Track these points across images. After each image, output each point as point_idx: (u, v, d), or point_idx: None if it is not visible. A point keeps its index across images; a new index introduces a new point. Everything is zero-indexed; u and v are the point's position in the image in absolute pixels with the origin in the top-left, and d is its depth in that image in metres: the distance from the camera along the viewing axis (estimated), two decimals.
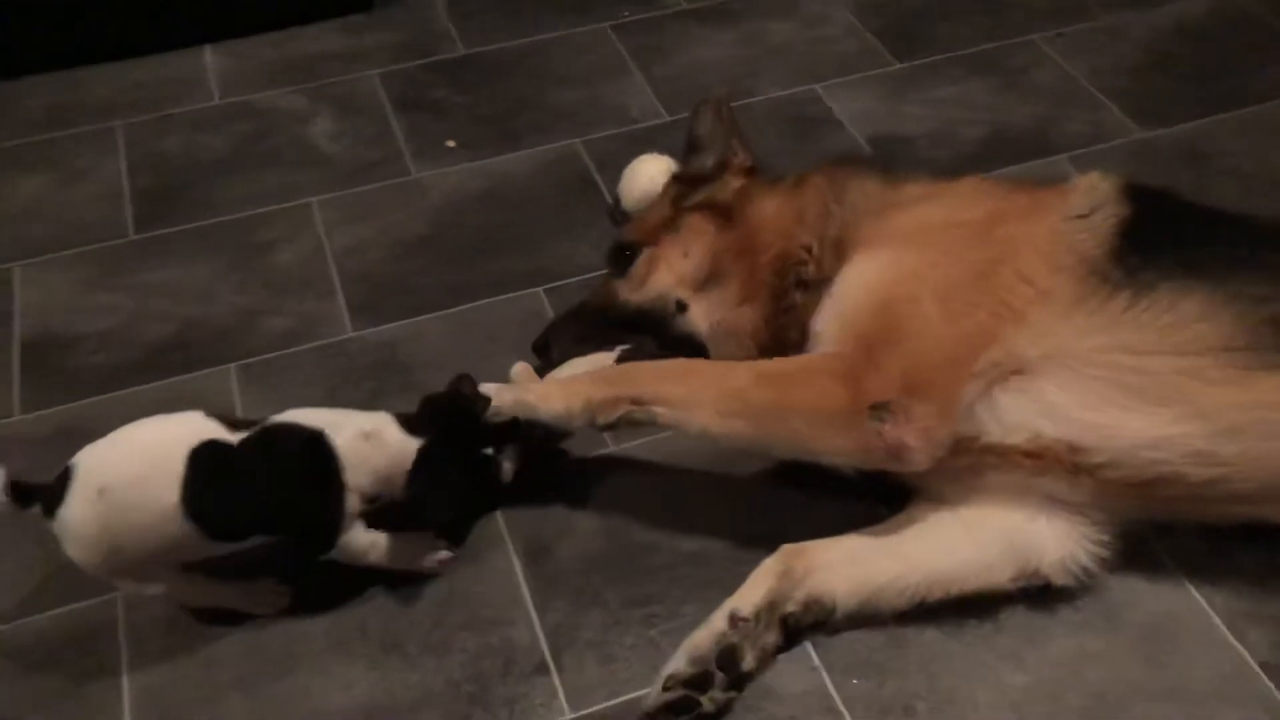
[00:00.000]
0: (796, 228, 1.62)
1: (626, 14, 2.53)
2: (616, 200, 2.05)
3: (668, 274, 1.69)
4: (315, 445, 1.38)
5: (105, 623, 1.48)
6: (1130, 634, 1.42)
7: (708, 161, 1.77)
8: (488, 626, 1.46)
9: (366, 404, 1.71)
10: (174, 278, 1.96)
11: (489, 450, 1.48)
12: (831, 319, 1.48)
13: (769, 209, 1.67)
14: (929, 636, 1.43)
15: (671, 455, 1.66)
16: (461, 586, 1.51)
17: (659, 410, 1.44)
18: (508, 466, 1.51)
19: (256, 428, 1.39)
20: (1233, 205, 1.99)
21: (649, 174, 2.00)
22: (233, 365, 1.81)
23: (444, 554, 1.50)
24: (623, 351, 1.65)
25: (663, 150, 2.05)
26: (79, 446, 1.65)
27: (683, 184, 1.78)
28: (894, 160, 1.73)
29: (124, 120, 2.29)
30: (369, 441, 1.40)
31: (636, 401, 1.45)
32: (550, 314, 1.87)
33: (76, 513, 1.31)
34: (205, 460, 1.33)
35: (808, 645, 1.43)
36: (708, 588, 1.48)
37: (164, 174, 2.18)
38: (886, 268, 1.47)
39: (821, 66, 2.36)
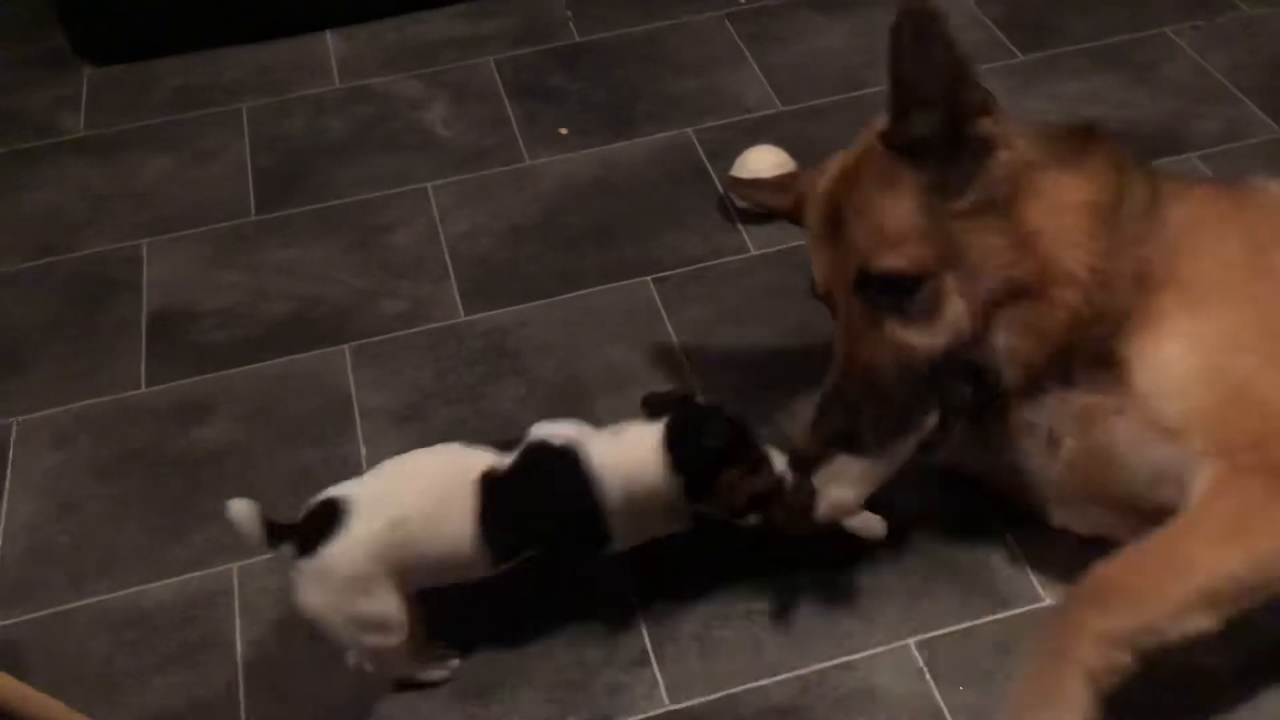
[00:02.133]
0: (1094, 238, 1.25)
1: (743, 2, 2.51)
2: (727, 191, 2.03)
3: (959, 304, 1.27)
4: (569, 457, 1.35)
5: (220, 593, 1.53)
6: None
7: (933, 120, 1.22)
8: (590, 613, 1.47)
9: (478, 387, 1.76)
10: (293, 257, 2.01)
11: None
12: (1184, 413, 1.22)
13: (1064, 202, 1.27)
14: None
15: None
16: (567, 573, 1.51)
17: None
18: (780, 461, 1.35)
19: (519, 450, 1.37)
20: None
21: (759, 165, 1.98)
22: (347, 346, 1.84)
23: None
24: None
25: (775, 141, 2.03)
26: (198, 419, 1.73)
27: (912, 165, 1.26)
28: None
29: (249, 102, 2.35)
30: (618, 442, 1.36)
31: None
32: (659, 304, 1.87)
33: (359, 543, 1.28)
34: (492, 488, 1.33)
35: (912, 646, 1.40)
36: (816, 587, 1.47)
37: (285, 156, 2.23)
38: (1226, 338, 1.23)
39: None
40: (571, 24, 2.50)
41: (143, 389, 1.81)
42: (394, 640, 1.32)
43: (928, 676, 1.37)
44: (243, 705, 1.41)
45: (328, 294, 1.94)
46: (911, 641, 1.41)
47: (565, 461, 1.35)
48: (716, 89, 2.29)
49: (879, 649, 1.40)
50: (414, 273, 1.96)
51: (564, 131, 2.23)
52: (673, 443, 1.33)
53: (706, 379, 1.75)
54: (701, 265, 1.93)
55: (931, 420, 1.33)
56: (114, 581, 1.55)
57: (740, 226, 1.99)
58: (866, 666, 1.39)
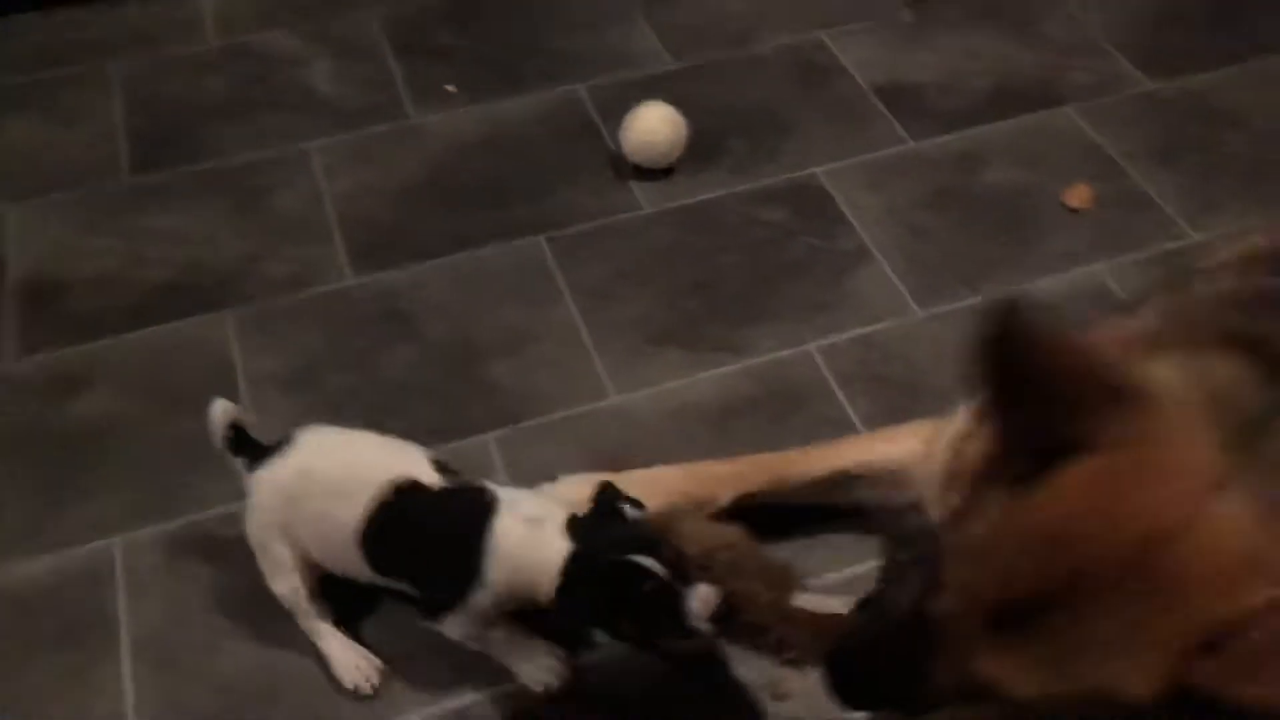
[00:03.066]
0: None
1: None
2: (618, 148, 2.02)
3: None
4: (478, 505, 1.27)
5: (102, 567, 1.48)
6: None
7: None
8: None
9: (369, 352, 1.73)
10: (170, 222, 1.94)
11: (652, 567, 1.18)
12: None
13: None
14: None
15: (680, 404, 1.65)
16: None
17: None
18: (700, 600, 1.18)
19: (449, 486, 1.31)
20: (1242, 158, 2.01)
21: (651, 121, 1.97)
22: (230, 312, 1.79)
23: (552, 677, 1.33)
24: None
25: (667, 98, 2.02)
26: (74, 393, 1.67)
27: None
28: None
29: (118, 60, 2.24)
30: (529, 530, 1.25)
31: None
32: (552, 263, 1.85)
33: (269, 481, 1.32)
34: (401, 500, 1.28)
35: None
36: None
37: (160, 116, 2.14)
38: None
39: (829, 13, 2.32)
40: None
41: (12, 362, 1.73)
42: (281, 587, 1.35)
43: None
44: (129, 684, 1.37)
45: (208, 258, 1.88)
46: None
47: (474, 516, 1.26)
48: (607, 45, 2.27)
49: None
50: (299, 235, 1.91)
51: (451, 89, 2.18)
52: (564, 588, 1.21)
53: (599, 338, 1.74)
54: (595, 224, 1.92)
55: None
56: None
57: (633, 184, 1.99)
58: None
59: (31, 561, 1.49)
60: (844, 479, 1.42)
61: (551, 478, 1.49)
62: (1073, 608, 0.82)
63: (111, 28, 2.32)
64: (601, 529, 1.24)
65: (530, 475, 1.54)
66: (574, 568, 1.20)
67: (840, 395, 1.66)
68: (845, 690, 1.04)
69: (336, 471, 1.31)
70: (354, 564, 1.32)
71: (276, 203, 1.97)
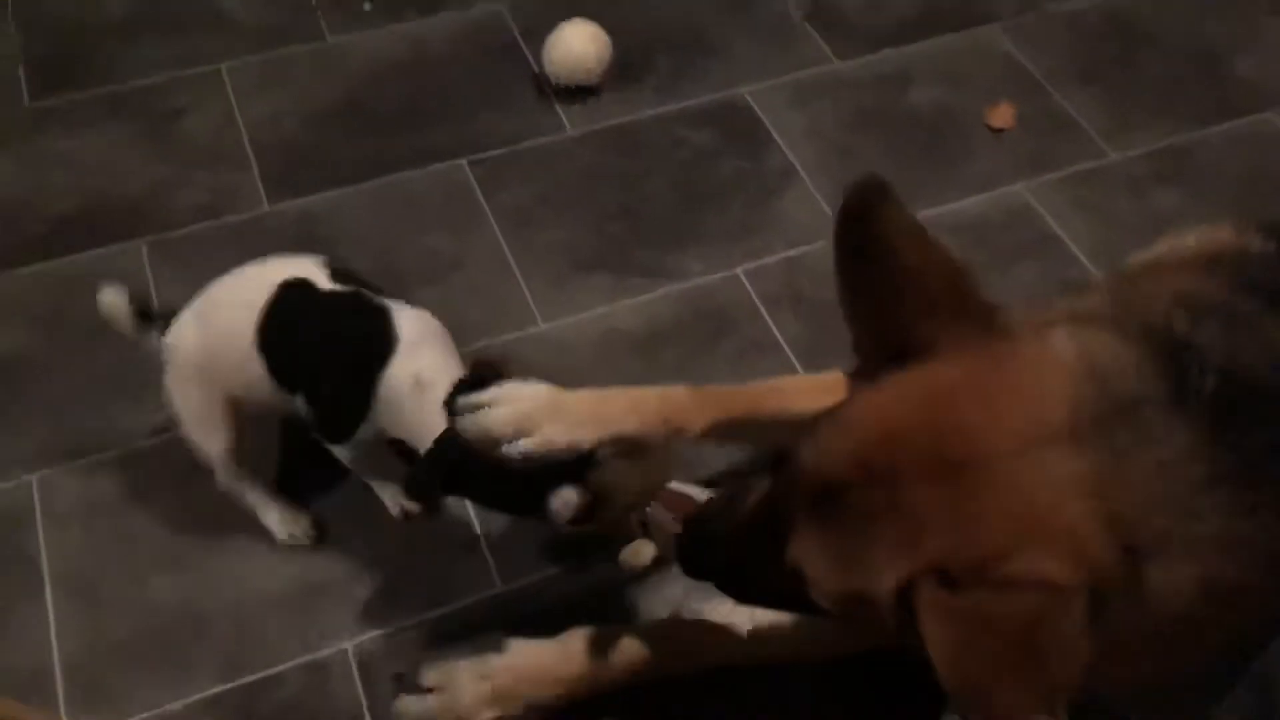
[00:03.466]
0: None
1: None
2: (541, 69, 1.98)
3: None
4: (378, 350, 1.25)
5: (20, 506, 1.44)
6: None
7: None
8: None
9: None
10: (76, 148, 1.86)
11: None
12: None
13: None
14: None
15: (609, 326, 1.64)
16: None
17: None
18: (561, 502, 1.15)
19: (356, 291, 1.30)
20: (1158, 76, 2.03)
21: (575, 38, 1.93)
22: (143, 241, 1.73)
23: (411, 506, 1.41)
24: None
25: (590, 15, 1.97)
26: None
27: None
28: None
29: None
30: (417, 392, 1.23)
31: None
32: (476, 187, 1.82)
33: (179, 332, 1.32)
34: (289, 296, 1.28)
35: None
36: None
37: (60, 38, 2.04)
38: None
39: None
40: None
41: None
42: (212, 446, 1.34)
43: None
44: (52, 619, 1.35)
45: (117, 187, 1.81)
46: None
47: (372, 341, 1.25)
48: None
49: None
50: (212, 161, 1.85)
51: (367, 7, 2.12)
52: (415, 468, 1.21)
53: (525, 264, 1.73)
54: (518, 146, 1.89)
55: None
56: None
57: (557, 106, 1.95)
58: None
59: None
60: (787, 425, 1.30)
61: None
62: (872, 499, 0.83)
63: None
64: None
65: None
66: (440, 450, 1.17)
67: (768, 318, 1.67)
68: (689, 563, 1.11)
69: (233, 291, 1.32)
70: (263, 384, 1.29)
71: (187, 127, 1.90)
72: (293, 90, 1.97)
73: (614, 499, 1.17)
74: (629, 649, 1.27)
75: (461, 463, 1.16)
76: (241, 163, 1.85)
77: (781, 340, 1.64)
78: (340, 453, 1.33)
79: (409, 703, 1.25)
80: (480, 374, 1.23)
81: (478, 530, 1.44)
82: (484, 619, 1.36)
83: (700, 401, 1.24)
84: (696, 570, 1.11)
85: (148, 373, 1.56)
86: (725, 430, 1.25)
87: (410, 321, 1.28)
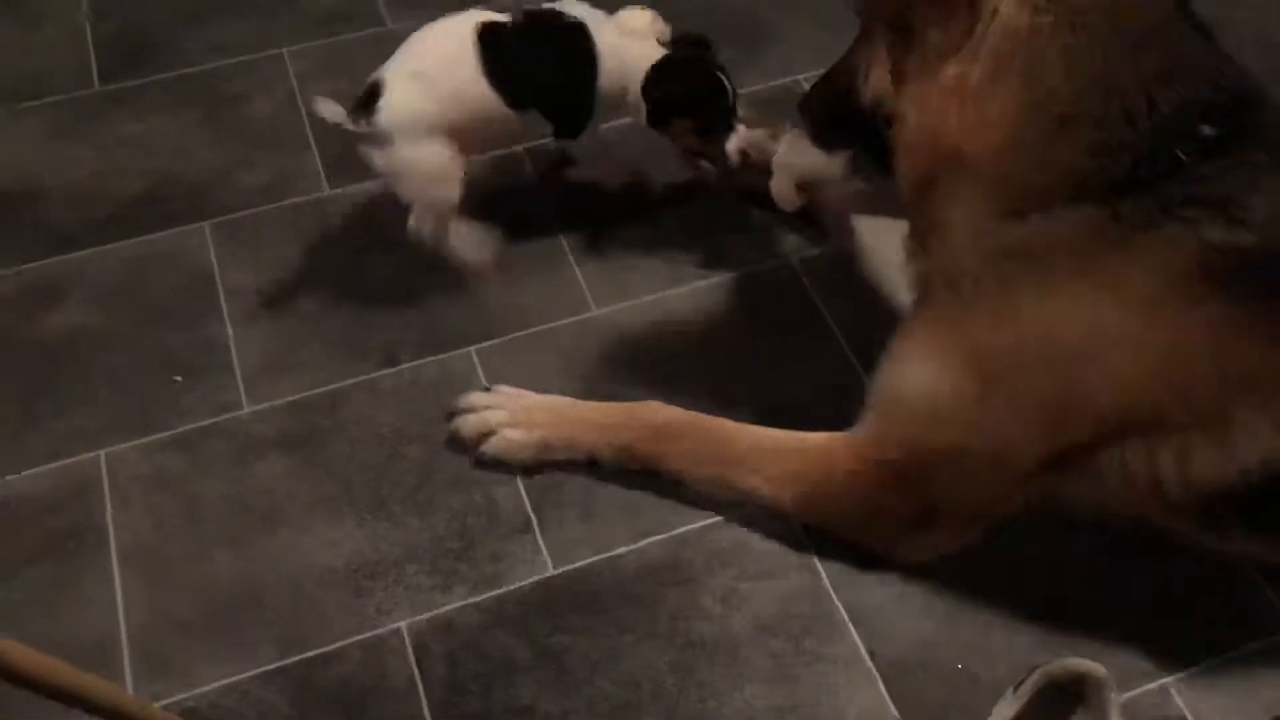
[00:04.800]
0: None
1: None
2: None
3: (885, 82, 1.31)
4: (581, 32, 1.59)
5: (89, 480, 1.48)
6: None
7: None
8: (472, 485, 1.48)
9: (349, 263, 1.72)
10: (143, 131, 1.90)
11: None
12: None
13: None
14: None
15: (660, 319, 1.66)
16: (445, 448, 1.52)
17: None
18: (735, 135, 1.59)
19: (527, 11, 1.61)
20: None
21: (632, 25, 1.92)
22: (207, 223, 1.77)
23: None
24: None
25: (647, 2, 1.97)
26: (50, 305, 1.66)
27: None
28: None
29: None
30: (627, 40, 1.60)
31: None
32: (529, 171, 1.84)
33: (399, 94, 1.51)
34: (493, 38, 1.55)
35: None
36: None
37: (128, 22, 2.08)
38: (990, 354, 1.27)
39: None
40: None
41: None
42: (445, 192, 1.56)
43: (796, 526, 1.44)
44: (119, 592, 1.39)
45: (183, 169, 1.85)
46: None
47: (570, 31, 1.58)
48: None
49: (752, 506, 1.45)
50: (274, 144, 1.88)
51: None
52: (651, 74, 1.56)
53: (581, 252, 1.74)
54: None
55: (841, 155, 1.48)
56: None
57: None
58: (738, 522, 1.44)
59: (16, 475, 1.49)
60: None
61: (535, 387, 1.53)
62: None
63: None
64: (689, 49, 1.62)
65: (512, 385, 1.55)
66: (669, 63, 1.58)
67: (823, 309, 1.67)
68: (815, 125, 1.51)
69: (439, 47, 1.56)
70: (500, 113, 1.56)
71: (251, 111, 1.94)
72: (353, 75, 1.96)
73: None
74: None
75: (680, 72, 1.59)
76: (302, 146, 1.87)
77: (835, 328, 1.64)
78: (583, 146, 1.70)
79: (470, 396, 1.52)
80: (694, 39, 1.64)
81: (529, 511, 1.45)
82: (536, 600, 1.38)
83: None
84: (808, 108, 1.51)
85: (212, 352, 1.61)
86: None
87: (585, 9, 1.62)
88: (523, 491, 1.47)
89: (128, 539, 1.43)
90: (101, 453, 1.51)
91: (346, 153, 1.85)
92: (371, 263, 1.73)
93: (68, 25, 2.07)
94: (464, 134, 1.56)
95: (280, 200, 1.80)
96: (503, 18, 1.58)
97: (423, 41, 1.57)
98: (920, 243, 1.32)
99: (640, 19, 1.64)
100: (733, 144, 1.59)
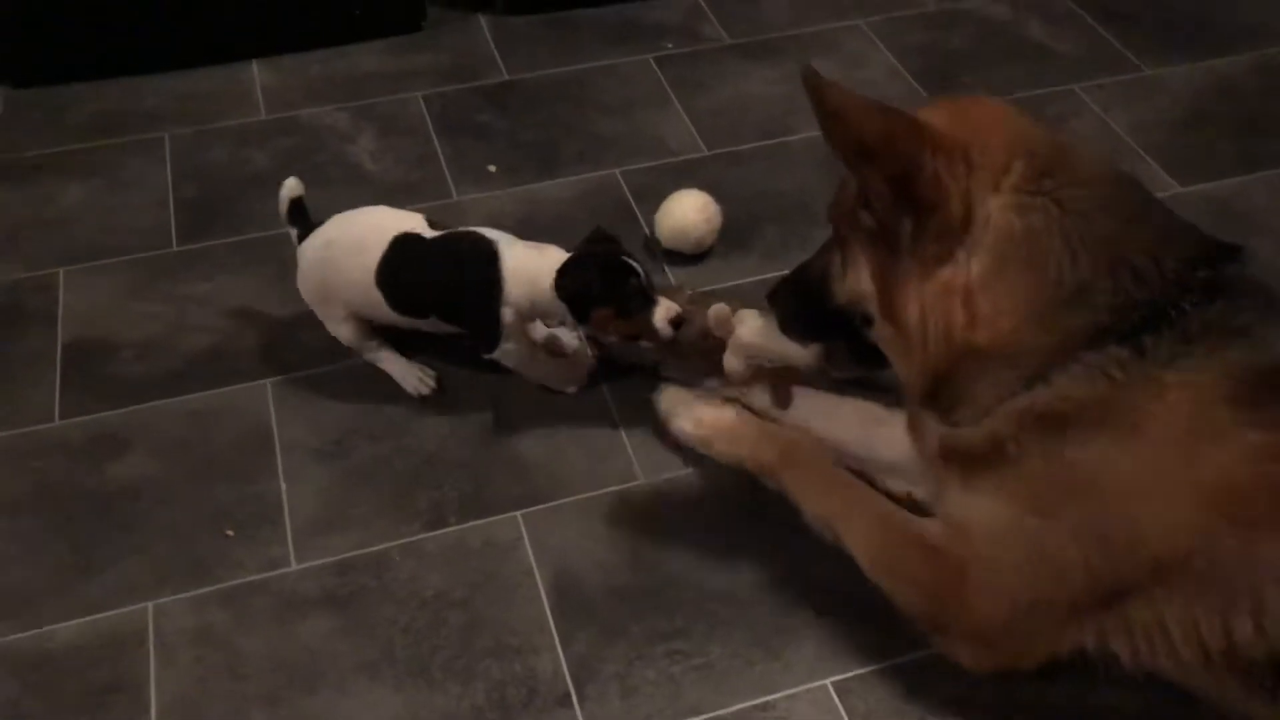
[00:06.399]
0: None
1: (669, 46, 2.55)
2: (652, 232, 2.06)
3: (868, 287, 1.37)
4: (488, 252, 1.64)
5: (134, 632, 1.50)
6: None
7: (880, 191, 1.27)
8: (513, 654, 1.48)
9: (401, 425, 1.76)
10: (215, 290, 1.99)
11: (633, 264, 1.63)
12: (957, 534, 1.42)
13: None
14: None
15: (705, 491, 1.67)
16: (488, 613, 1.52)
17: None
18: (661, 308, 1.62)
19: (447, 231, 1.69)
20: (1267, 264, 2.03)
21: (685, 208, 2.02)
22: (269, 380, 1.83)
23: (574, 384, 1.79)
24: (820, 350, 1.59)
25: (700, 184, 2.07)
26: (113, 454, 1.71)
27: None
28: None
29: (171, 131, 2.32)
30: (538, 255, 1.63)
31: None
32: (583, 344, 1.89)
33: (307, 252, 1.72)
34: (401, 246, 1.66)
35: (829, 687, 1.44)
36: (733, 626, 1.50)
37: (208, 186, 2.21)
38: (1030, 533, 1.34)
39: None
40: (500, 62, 2.52)
41: (55, 422, 1.77)
42: (342, 332, 1.76)
43: (844, 716, 1.41)
44: None
45: (250, 327, 1.92)
46: (829, 682, 1.44)
47: (478, 248, 1.65)
48: (643, 131, 2.33)
49: (796, 689, 1.44)
50: None
51: (492, 169, 2.25)
52: (558, 276, 1.60)
53: (629, 419, 1.77)
54: None
55: (814, 346, 1.58)
56: (22, 621, 1.51)
57: (666, 268, 2.03)
58: (785, 706, 1.42)
59: (63, 622, 1.51)
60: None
61: (580, 554, 1.53)
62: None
63: (167, 98, 2.40)
64: (596, 246, 1.67)
65: (557, 552, 1.57)
66: (573, 262, 1.61)
67: None
68: (784, 317, 1.56)
69: (352, 236, 1.69)
70: (381, 307, 1.69)
71: None
72: None
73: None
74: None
75: (589, 265, 1.61)
76: None
77: None
78: (506, 356, 1.70)
79: None
80: (597, 234, 1.69)
81: (569, 684, 1.44)
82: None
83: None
84: (777, 301, 1.56)
85: (264, 508, 1.64)
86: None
87: (498, 233, 1.68)
88: (564, 663, 1.47)
89: (168, 694, 1.44)
90: (150, 604, 1.53)
91: None
92: (422, 424, 1.77)
93: (155, 190, 2.19)
94: (356, 310, 1.74)
95: (339, 361, 1.86)
96: (424, 230, 1.68)
97: (350, 221, 1.73)
98: (944, 418, 1.37)
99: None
100: (659, 317, 1.61)
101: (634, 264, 1.62)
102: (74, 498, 1.66)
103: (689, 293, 1.83)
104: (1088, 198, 1.26)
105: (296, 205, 1.73)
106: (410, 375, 1.79)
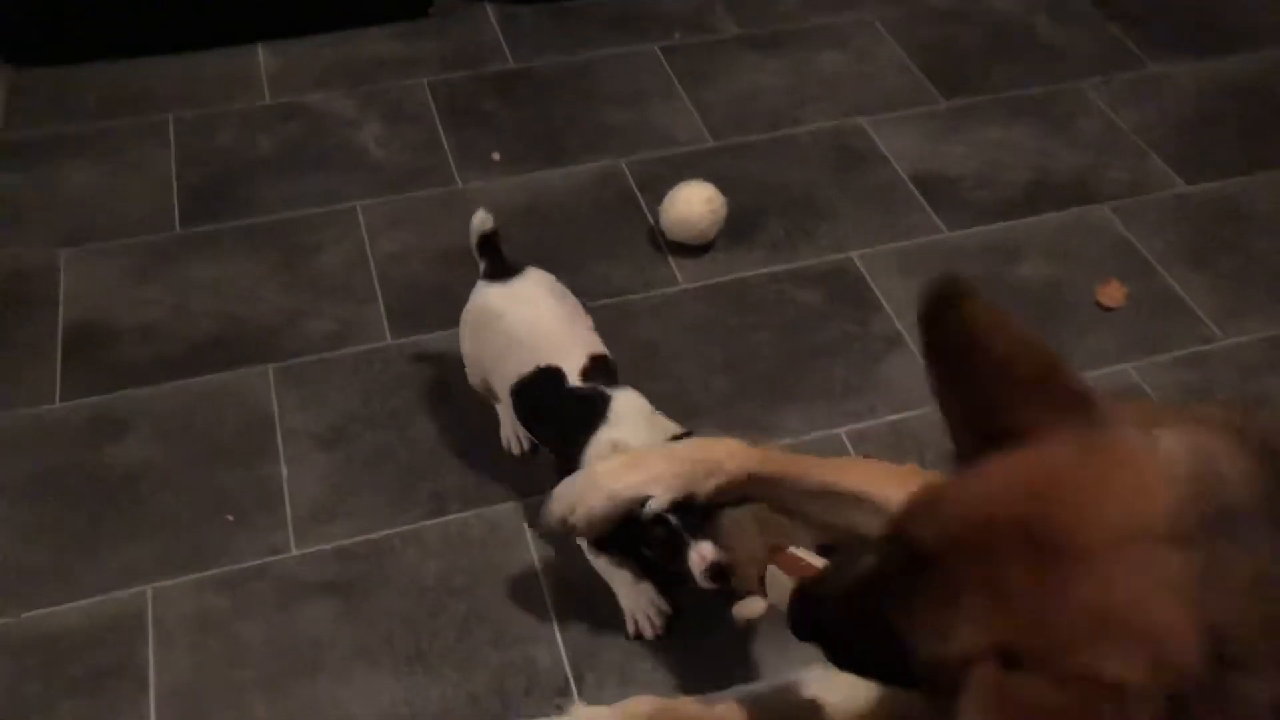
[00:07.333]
0: None
1: (677, 36, 2.55)
2: (656, 223, 2.06)
3: None
4: (593, 414, 1.49)
5: (133, 616, 1.50)
6: None
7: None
8: (512, 643, 1.48)
9: (404, 413, 1.76)
10: (217, 274, 1.98)
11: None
12: None
13: None
14: None
15: None
16: (488, 602, 1.52)
17: None
18: (696, 555, 1.32)
19: (591, 387, 1.54)
20: (1273, 263, 2.03)
21: (690, 200, 2.01)
22: (271, 366, 1.82)
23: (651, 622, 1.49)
24: None
25: (706, 176, 2.06)
26: (114, 438, 1.70)
27: None
28: None
29: (176, 114, 2.31)
30: (613, 450, 1.45)
31: None
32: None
33: (485, 298, 1.63)
34: (542, 379, 1.54)
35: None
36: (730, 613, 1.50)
37: (212, 170, 2.20)
38: None
39: (868, 100, 2.37)
40: (507, 49, 2.51)
41: (56, 404, 1.76)
42: (471, 376, 1.68)
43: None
44: None
45: (252, 313, 1.92)
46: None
47: (589, 411, 1.49)
48: (649, 122, 2.32)
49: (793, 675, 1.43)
50: (341, 293, 1.95)
51: (497, 156, 2.24)
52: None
53: None
54: (631, 297, 1.96)
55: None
56: (21, 604, 1.51)
57: (670, 259, 2.02)
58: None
59: (63, 605, 1.51)
60: (836, 498, 1.34)
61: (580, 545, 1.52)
62: (966, 574, 0.81)
63: (172, 81, 2.39)
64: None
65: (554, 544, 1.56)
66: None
67: None
68: (799, 623, 1.07)
69: (517, 326, 1.58)
70: (507, 399, 1.60)
71: (321, 260, 2.01)
72: (422, 230, 2.08)
73: (738, 553, 1.29)
74: None
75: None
76: (369, 297, 1.94)
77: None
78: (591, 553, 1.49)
79: None
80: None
81: (568, 672, 1.44)
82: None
83: (743, 452, 1.33)
84: (805, 630, 1.07)
85: (265, 494, 1.64)
86: (761, 486, 1.31)
87: (624, 400, 1.52)
88: (563, 652, 1.47)
89: (167, 679, 1.44)
90: (149, 588, 1.53)
91: (409, 305, 1.93)
92: (427, 413, 1.76)
93: (157, 172, 2.18)
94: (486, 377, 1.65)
95: (343, 348, 1.86)
96: (573, 373, 1.54)
97: (531, 311, 1.60)
98: None
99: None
100: (695, 564, 1.32)
101: (663, 510, 1.33)
102: (74, 481, 1.66)
103: (762, 515, 1.39)
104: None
105: (487, 239, 1.66)
106: (506, 426, 1.72)
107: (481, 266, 1.66)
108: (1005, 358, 0.86)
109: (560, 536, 1.51)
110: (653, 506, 1.32)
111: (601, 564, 1.50)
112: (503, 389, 1.60)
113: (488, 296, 1.63)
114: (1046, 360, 0.86)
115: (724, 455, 1.35)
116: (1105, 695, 0.75)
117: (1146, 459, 0.83)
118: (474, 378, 1.68)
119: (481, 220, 1.65)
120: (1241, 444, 0.85)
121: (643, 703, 1.32)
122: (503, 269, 1.65)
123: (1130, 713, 0.74)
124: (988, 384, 0.87)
